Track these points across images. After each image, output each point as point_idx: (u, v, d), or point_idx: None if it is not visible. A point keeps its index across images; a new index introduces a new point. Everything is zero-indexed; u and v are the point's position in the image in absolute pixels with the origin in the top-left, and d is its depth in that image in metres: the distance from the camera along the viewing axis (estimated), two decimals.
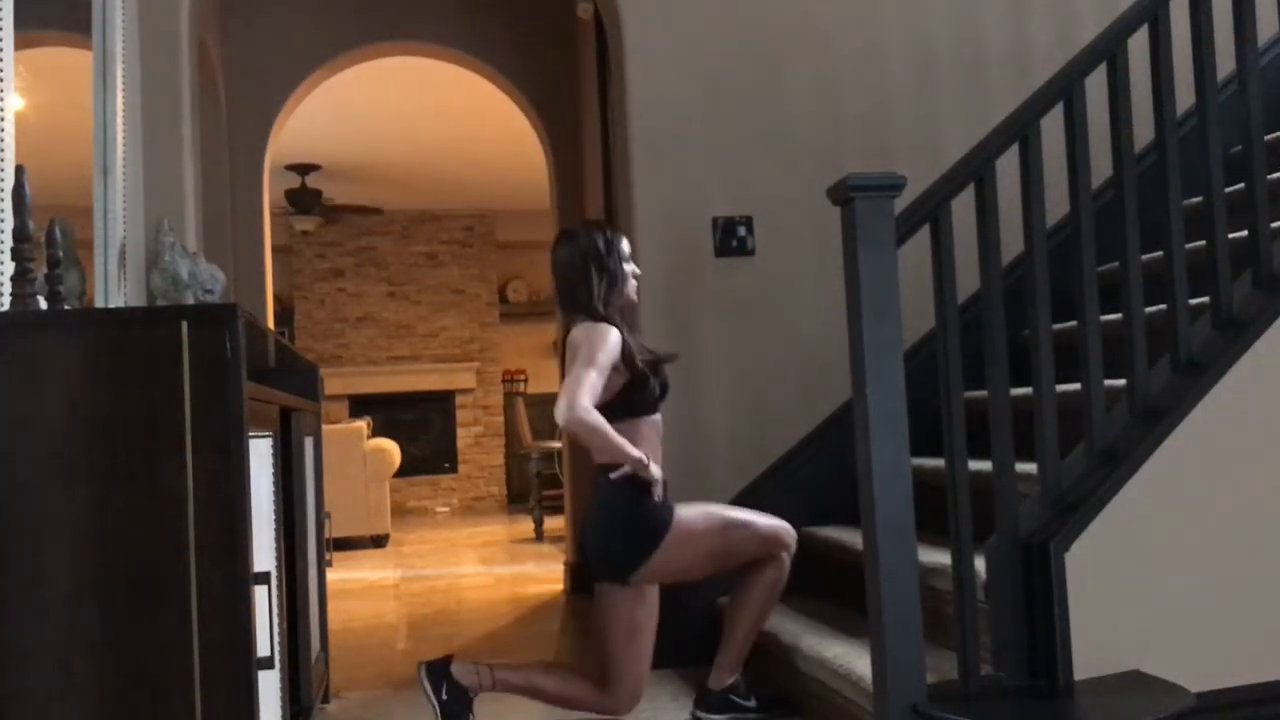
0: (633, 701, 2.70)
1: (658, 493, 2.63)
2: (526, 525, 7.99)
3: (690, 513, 2.70)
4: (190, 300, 2.97)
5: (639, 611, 2.66)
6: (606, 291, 2.76)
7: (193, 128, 3.44)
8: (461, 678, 2.65)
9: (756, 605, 2.80)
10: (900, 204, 2.35)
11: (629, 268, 2.83)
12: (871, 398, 2.27)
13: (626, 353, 2.66)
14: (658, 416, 2.75)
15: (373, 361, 10.47)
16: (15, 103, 2.02)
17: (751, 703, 2.85)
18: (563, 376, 2.66)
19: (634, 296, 2.87)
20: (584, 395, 2.52)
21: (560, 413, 2.51)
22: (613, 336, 2.64)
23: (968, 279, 2.51)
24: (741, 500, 3.45)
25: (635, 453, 2.58)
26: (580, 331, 2.68)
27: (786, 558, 2.79)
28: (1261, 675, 2.43)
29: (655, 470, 2.61)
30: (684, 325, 3.59)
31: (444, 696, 2.63)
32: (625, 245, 2.84)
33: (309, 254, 10.34)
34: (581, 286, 2.75)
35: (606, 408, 2.57)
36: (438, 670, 2.65)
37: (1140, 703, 2.19)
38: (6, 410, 1.51)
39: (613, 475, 2.62)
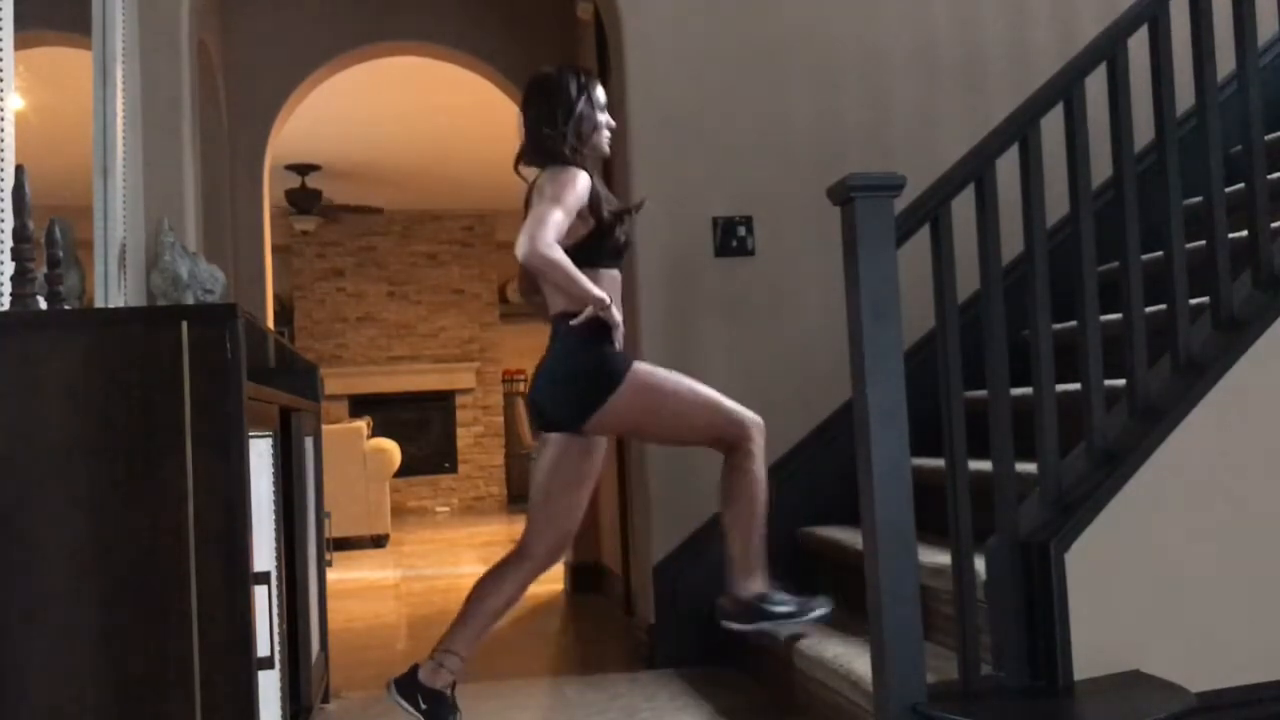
0: (559, 551, 2.64)
1: (618, 337, 2.54)
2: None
3: (655, 368, 2.62)
4: (190, 300, 2.97)
5: (584, 465, 2.60)
6: (576, 137, 2.64)
7: (193, 128, 3.44)
8: (430, 680, 2.57)
9: (743, 500, 2.63)
10: (900, 204, 2.35)
11: (603, 117, 2.71)
12: (871, 398, 2.27)
13: (594, 199, 2.57)
14: (617, 271, 2.67)
15: (373, 361, 10.47)
16: (15, 103, 2.02)
17: (784, 608, 2.67)
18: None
19: (605, 148, 2.74)
20: (547, 231, 2.42)
21: (520, 247, 2.42)
22: (581, 179, 2.55)
23: (968, 279, 2.51)
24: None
25: (598, 292, 2.49)
26: (546, 175, 2.58)
27: (755, 448, 2.62)
28: (1261, 675, 2.43)
29: (617, 313, 2.53)
30: (684, 325, 3.59)
31: (423, 706, 2.55)
32: (601, 93, 2.72)
33: (309, 254, 10.35)
34: (551, 131, 2.63)
35: (568, 254, 2.47)
36: (407, 683, 2.58)
37: (1140, 703, 2.19)
38: (6, 410, 1.51)
39: (573, 322, 2.53)
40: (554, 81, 2.69)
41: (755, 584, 2.69)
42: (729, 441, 2.65)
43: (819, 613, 2.71)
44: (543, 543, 2.65)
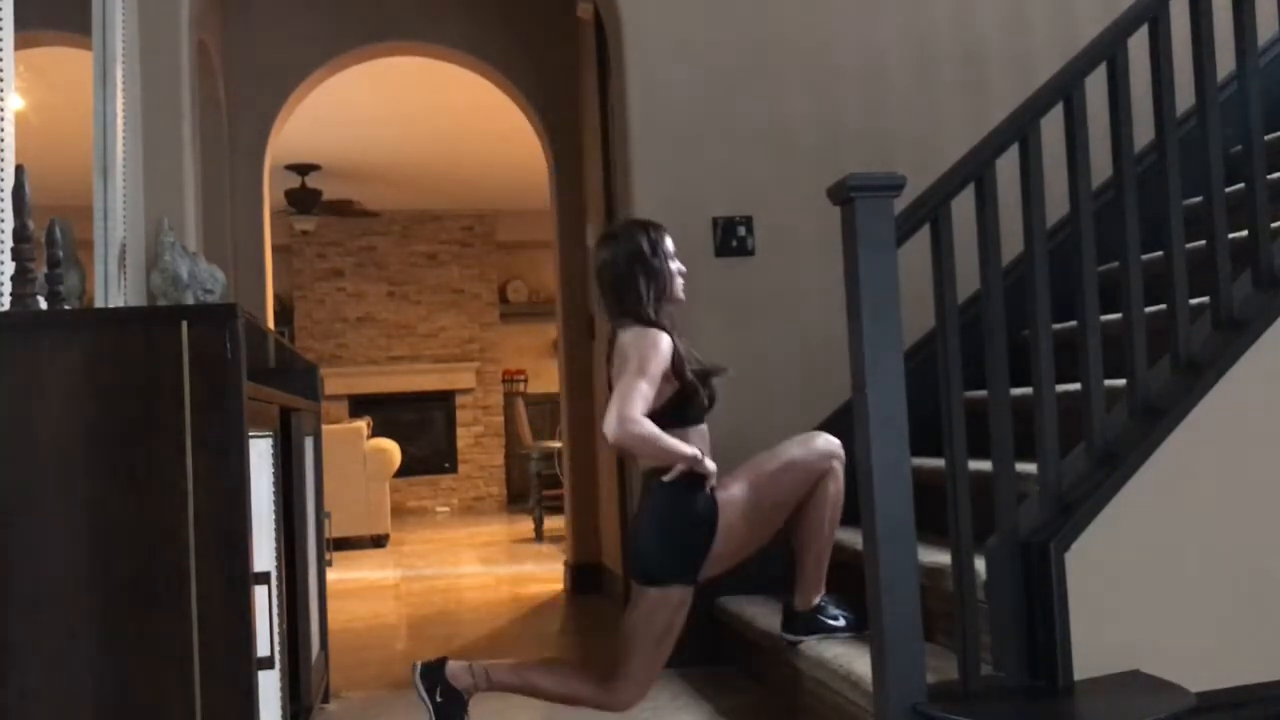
0: (636, 700, 2.66)
1: (712, 481, 2.57)
2: (526, 525, 7.99)
3: (733, 486, 2.62)
4: (190, 300, 2.97)
5: (678, 616, 2.61)
6: (655, 295, 2.65)
7: (193, 128, 3.44)
8: (456, 680, 2.61)
9: (821, 521, 2.70)
10: (900, 204, 2.35)
11: (675, 265, 2.72)
12: (871, 398, 2.27)
13: (678, 361, 2.58)
14: (704, 427, 2.68)
15: (373, 361, 10.47)
16: (15, 103, 2.02)
17: (840, 621, 2.78)
18: (610, 385, 2.59)
19: (681, 295, 2.75)
20: (635, 407, 2.44)
21: (610, 426, 2.44)
22: (664, 343, 2.56)
23: (968, 279, 2.51)
24: None
25: (689, 450, 2.52)
26: (630, 336, 2.58)
27: (839, 466, 2.68)
28: (1261, 675, 2.43)
29: (710, 464, 2.56)
30: (684, 325, 3.56)
31: (439, 699, 2.59)
32: (669, 243, 2.73)
33: (309, 254, 10.34)
34: (628, 291, 2.64)
35: (654, 416, 2.50)
36: (432, 672, 2.62)
37: (1140, 703, 2.19)
38: (6, 410, 1.51)
39: (665, 477, 2.55)
40: (628, 243, 2.69)
41: (816, 596, 2.79)
42: (820, 478, 2.69)
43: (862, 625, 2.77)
44: (629, 692, 2.64)
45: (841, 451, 2.69)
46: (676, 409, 2.59)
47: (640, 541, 2.64)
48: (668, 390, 2.57)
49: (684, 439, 2.57)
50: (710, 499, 2.57)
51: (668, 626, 2.60)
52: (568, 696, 2.67)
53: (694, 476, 2.55)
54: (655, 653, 2.61)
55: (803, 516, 2.72)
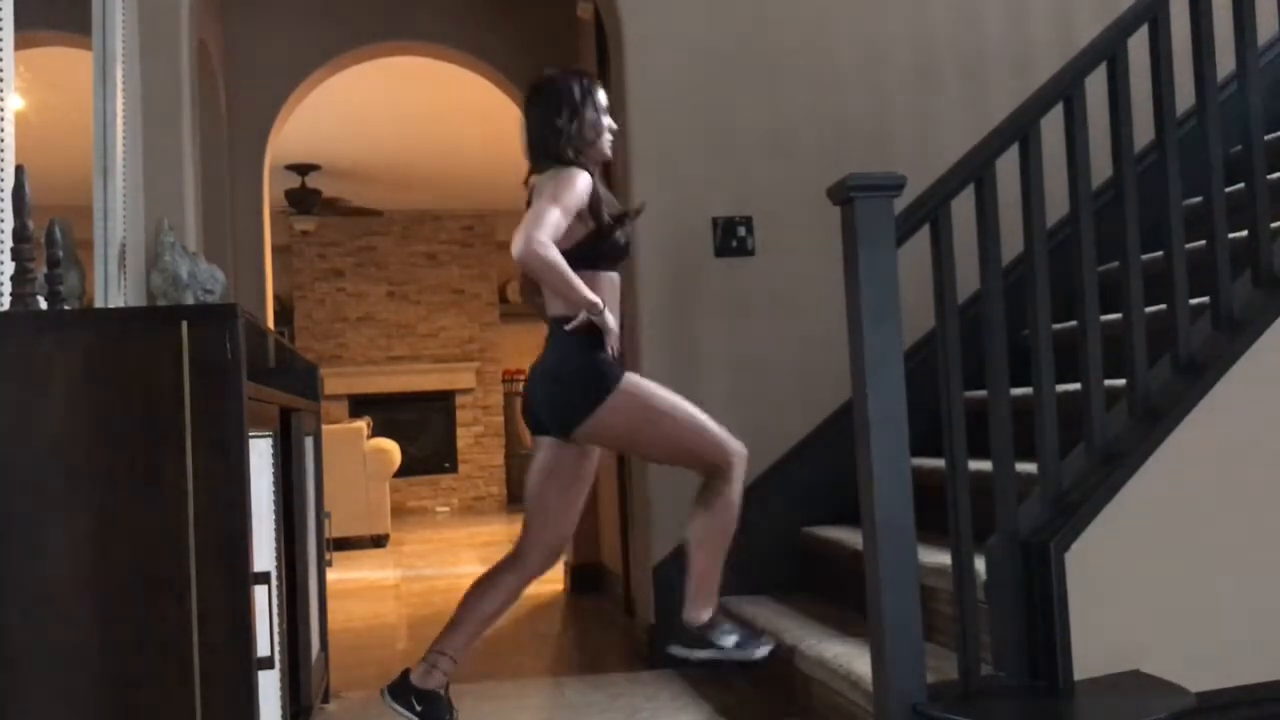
0: (554, 556, 2.64)
1: (612, 343, 2.52)
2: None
3: (647, 382, 2.60)
4: (190, 300, 2.97)
5: (578, 469, 2.59)
6: (579, 140, 2.62)
7: (193, 128, 3.44)
8: (424, 682, 2.56)
9: (713, 526, 2.59)
10: (900, 204, 2.35)
11: (605, 120, 2.69)
12: (871, 398, 2.27)
13: (594, 200, 2.54)
14: (616, 275, 2.64)
15: (372, 361, 10.47)
16: (15, 103, 2.02)
17: (730, 640, 2.64)
18: None
19: (607, 151, 2.72)
20: (544, 230, 2.39)
21: (517, 246, 2.39)
22: (582, 180, 2.52)
23: (968, 279, 2.51)
24: (742, 500, 3.44)
25: (592, 296, 2.46)
26: (547, 175, 2.56)
27: (736, 475, 2.58)
28: (1261, 675, 2.43)
29: (611, 319, 2.51)
30: (684, 325, 3.59)
31: (418, 708, 2.54)
32: (602, 97, 2.70)
33: (309, 254, 10.34)
34: (552, 133, 2.61)
35: (565, 256, 2.43)
36: (400, 688, 2.57)
37: (1140, 703, 2.19)
38: (6, 410, 1.51)
39: (567, 326, 2.51)
40: (556, 85, 2.67)
41: (706, 611, 2.66)
42: (712, 466, 2.60)
43: (761, 652, 2.68)
44: (537, 548, 2.64)
45: (743, 464, 2.61)
46: (589, 250, 2.54)
47: (532, 387, 2.61)
48: (581, 230, 2.53)
49: (594, 283, 2.51)
50: (618, 367, 2.53)
51: (572, 477, 2.59)
52: (506, 596, 2.62)
53: (596, 332, 2.49)
54: (562, 503, 2.60)
55: (698, 522, 2.63)
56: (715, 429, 2.61)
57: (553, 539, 2.65)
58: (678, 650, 2.71)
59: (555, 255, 2.41)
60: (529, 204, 2.64)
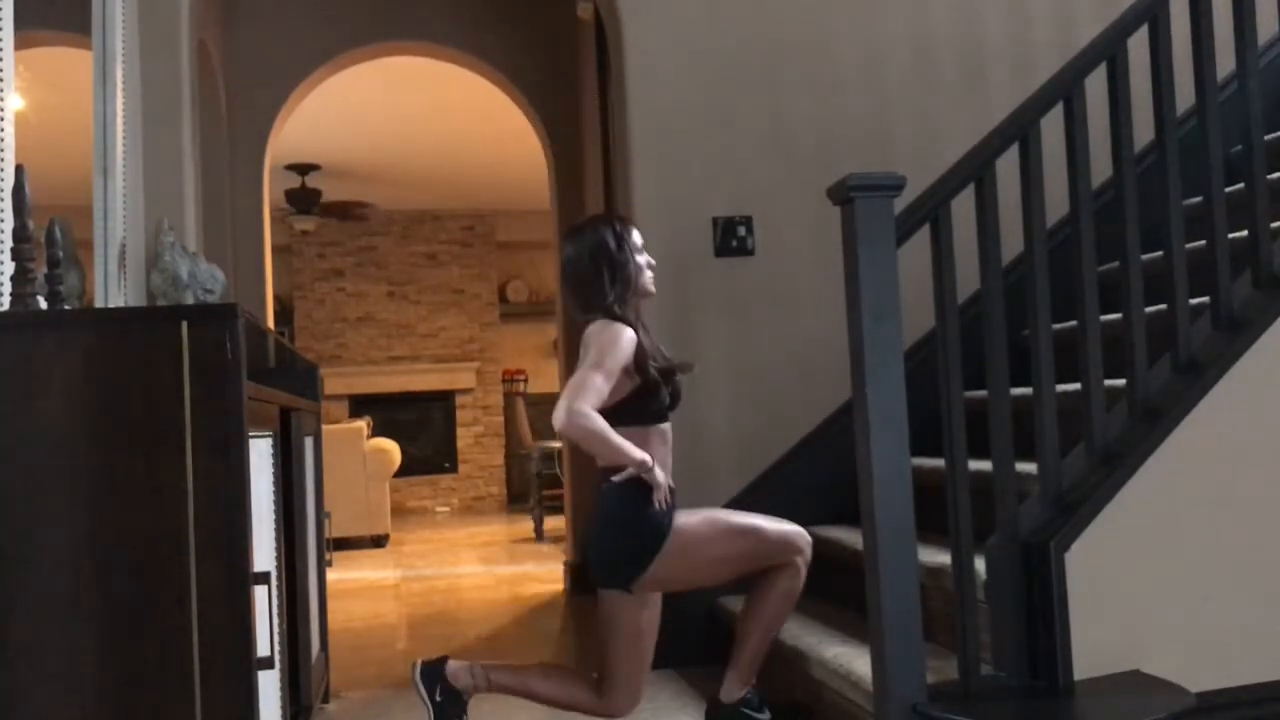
0: (630, 706, 2.65)
1: (659, 498, 2.51)
2: (526, 525, 7.99)
3: (692, 519, 2.58)
4: (190, 300, 2.97)
5: (642, 617, 2.59)
6: (621, 288, 2.62)
7: (193, 128, 3.44)
8: (455, 679, 2.60)
9: (769, 614, 2.65)
10: (900, 204, 2.35)
11: (642, 259, 2.68)
12: (871, 398, 2.27)
13: (640, 357, 2.54)
14: (666, 426, 2.63)
15: (372, 361, 10.47)
16: (15, 103, 2.02)
17: (765, 716, 2.73)
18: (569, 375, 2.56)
19: (650, 288, 2.71)
20: (584, 399, 2.40)
21: (558, 417, 2.40)
22: (625, 338, 2.52)
23: (968, 279, 2.51)
24: (742, 500, 3.45)
25: (638, 454, 2.46)
26: (594, 329, 2.57)
27: (802, 564, 2.62)
28: (1261, 675, 2.43)
29: (660, 475, 2.50)
30: (684, 325, 3.59)
31: (438, 698, 2.59)
32: (637, 237, 2.70)
33: (309, 254, 10.34)
34: (594, 286, 2.62)
35: (613, 412, 2.46)
36: (432, 671, 2.62)
37: (1140, 703, 2.19)
38: (6, 410, 1.51)
39: (614, 479, 2.51)
40: (592, 237, 2.66)
41: (743, 690, 2.72)
42: (781, 562, 2.62)
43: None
44: (617, 701, 2.63)
45: (809, 549, 2.64)
46: (636, 406, 2.54)
47: (589, 541, 2.62)
48: (628, 385, 2.52)
49: (644, 437, 2.52)
50: (666, 516, 2.52)
51: (635, 629, 2.58)
52: (565, 702, 2.66)
53: (644, 484, 2.49)
54: (631, 655, 2.59)
55: (752, 604, 2.67)
56: (773, 528, 2.62)
57: (632, 692, 2.63)
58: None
59: (596, 424, 2.40)
60: (575, 351, 2.65)
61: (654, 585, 2.58)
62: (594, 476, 2.64)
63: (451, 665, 2.63)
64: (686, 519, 2.58)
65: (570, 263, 2.69)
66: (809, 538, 2.66)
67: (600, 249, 2.64)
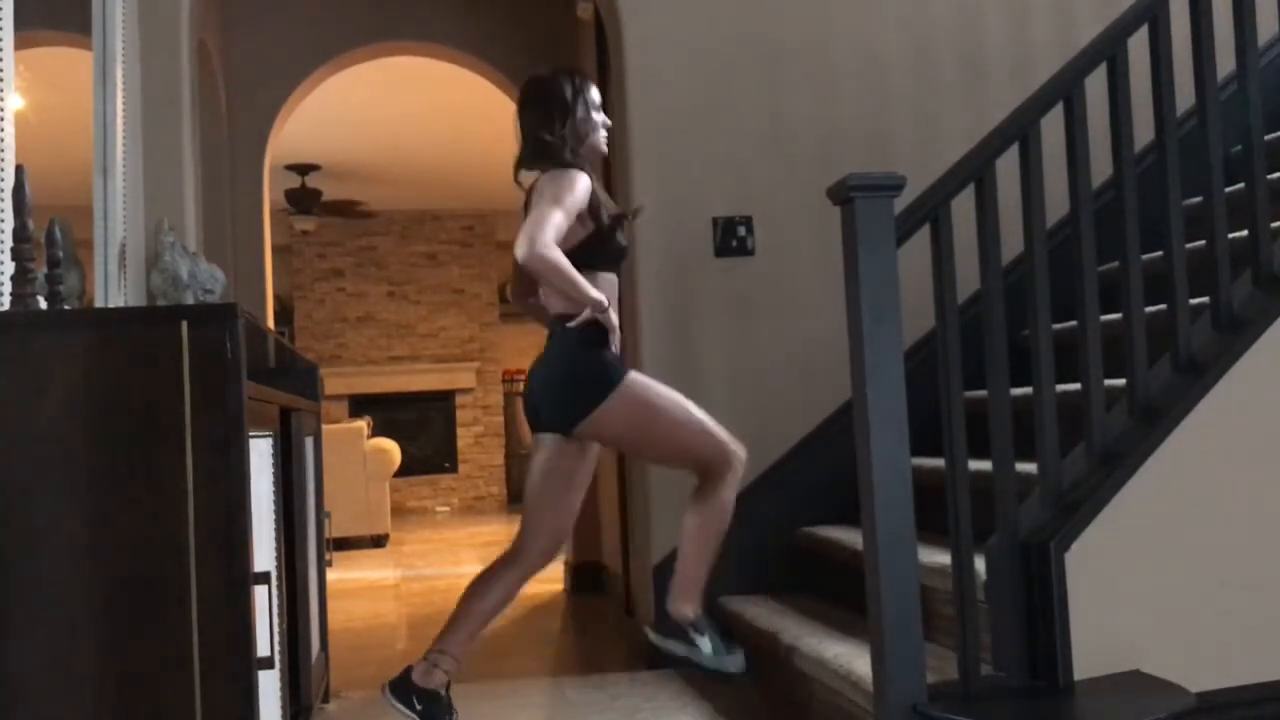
0: (550, 555, 2.66)
1: (615, 340, 2.52)
2: None
3: (650, 381, 2.60)
4: (190, 300, 2.97)
5: (578, 466, 2.59)
6: (574, 140, 2.63)
7: (193, 128, 3.44)
8: (424, 680, 2.56)
9: (707, 527, 2.63)
10: (900, 204, 2.35)
11: (599, 117, 2.70)
12: (871, 398, 2.27)
13: (593, 202, 2.56)
14: (615, 276, 2.65)
15: (372, 361, 10.47)
16: (15, 103, 2.02)
17: (706, 646, 2.66)
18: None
19: (603, 147, 2.73)
20: (547, 232, 2.40)
21: (520, 248, 2.40)
22: (581, 182, 2.54)
23: (968, 279, 2.51)
24: (741, 501, 3.44)
25: (597, 294, 2.46)
26: (546, 178, 2.57)
27: (734, 478, 2.62)
28: (1261, 675, 2.43)
29: (614, 317, 2.51)
30: (684, 325, 3.59)
31: (418, 707, 2.54)
32: (595, 93, 2.71)
33: (309, 254, 10.35)
34: (547, 135, 2.62)
35: (566, 257, 2.44)
36: (401, 685, 2.57)
37: (1140, 703, 2.19)
38: (6, 410, 1.51)
39: (570, 324, 2.51)
40: (549, 85, 2.69)
41: (689, 608, 2.69)
42: (712, 467, 2.62)
43: (732, 668, 2.69)
44: (536, 544, 2.66)
45: (742, 468, 2.63)
46: (589, 251, 2.56)
47: (533, 384, 2.62)
48: (581, 231, 2.54)
49: (594, 284, 2.52)
50: (619, 366, 2.54)
51: (570, 475, 2.60)
52: (504, 593, 2.64)
53: (599, 330, 2.50)
54: (562, 503, 2.62)
55: (692, 520, 2.66)
56: (717, 430, 2.63)
57: (552, 535, 2.67)
58: (653, 636, 2.79)
59: (560, 257, 2.42)
60: (527, 205, 2.64)
61: (594, 433, 2.57)
62: (549, 323, 2.62)
63: (415, 671, 2.58)
64: (642, 377, 2.59)
65: (523, 107, 2.70)
66: (745, 455, 2.65)
67: (555, 98, 2.66)
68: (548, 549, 2.67)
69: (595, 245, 2.58)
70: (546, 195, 2.51)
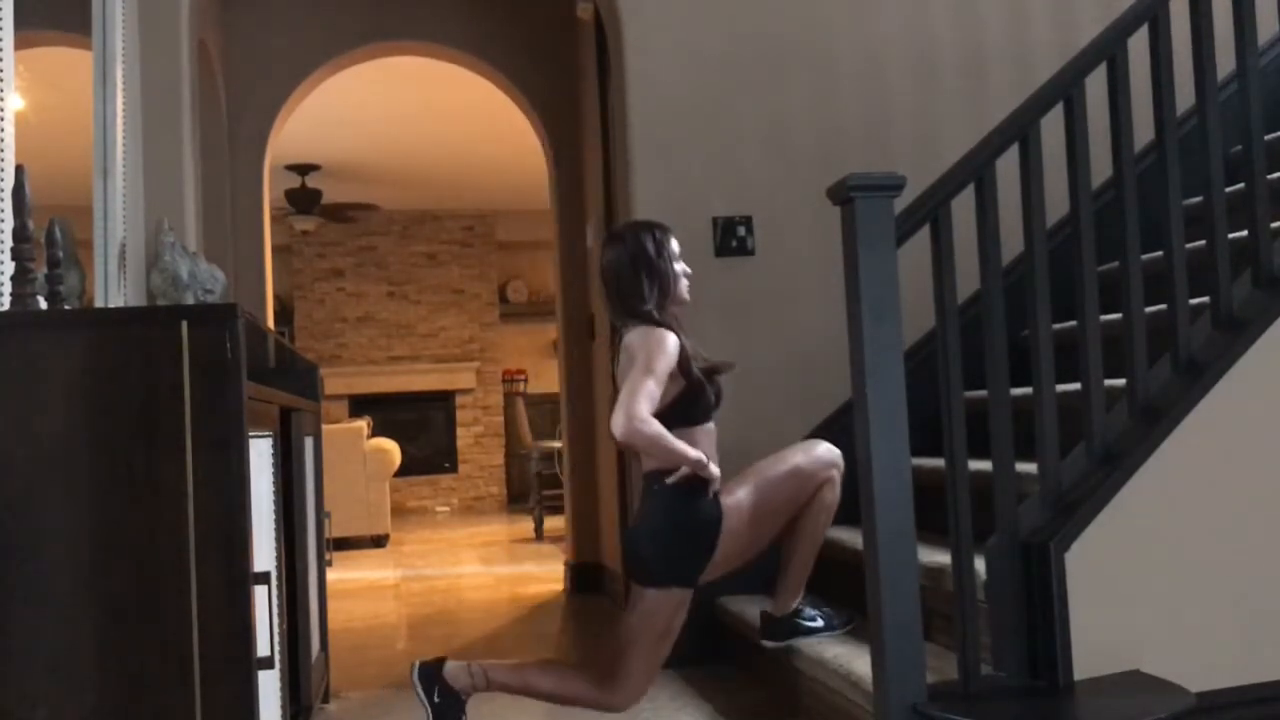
0: (634, 701, 2.66)
1: (715, 488, 2.56)
2: (526, 525, 7.99)
3: (737, 492, 2.62)
4: (190, 300, 2.97)
5: (677, 616, 2.62)
6: (660, 295, 2.66)
7: (193, 128, 3.44)
8: (454, 680, 2.60)
9: (815, 528, 2.72)
10: (900, 204, 2.35)
11: (679, 267, 2.72)
12: (871, 398, 2.27)
13: (684, 360, 2.58)
14: (711, 425, 2.67)
15: (372, 361, 10.47)
16: (15, 103, 2.02)
17: (819, 623, 2.82)
18: (615, 385, 2.58)
19: (686, 296, 2.75)
20: (642, 405, 2.43)
21: (618, 425, 2.43)
22: (670, 342, 2.55)
23: (968, 279, 2.51)
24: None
25: (695, 453, 2.51)
26: (636, 336, 2.58)
27: (838, 475, 2.70)
28: (1261, 675, 2.43)
29: (714, 469, 2.55)
30: (685, 325, 3.59)
31: (436, 699, 2.58)
32: (675, 245, 2.74)
33: (309, 254, 10.34)
34: (633, 292, 2.64)
35: (661, 416, 2.49)
36: (430, 672, 2.61)
37: (1140, 703, 2.19)
38: (6, 410, 1.51)
39: (669, 479, 2.54)
40: (631, 244, 2.69)
41: (795, 600, 2.83)
42: (819, 485, 2.70)
43: (848, 626, 2.84)
44: (625, 694, 2.63)
45: (841, 460, 2.71)
46: (683, 408, 2.58)
47: (641, 543, 2.63)
48: (674, 389, 2.56)
49: (690, 438, 2.56)
50: (715, 505, 2.57)
51: (666, 627, 2.60)
52: (566, 697, 2.66)
53: (697, 480, 2.54)
54: (653, 653, 2.62)
55: (797, 522, 2.72)
56: (805, 458, 2.69)
57: (643, 687, 2.65)
58: (769, 643, 2.87)
59: (657, 429, 2.45)
60: (614, 359, 2.67)
61: (720, 567, 2.63)
62: (644, 478, 2.64)
63: (449, 666, 2.62)
64: (731, 495, 2.62)
65: (610, 268, 2.71)
66: (838, 450, 2.72)
67: (640, 255, 2.67)
68: (633, 698, 2.65)
69: (689, 401, 2.60)
70: (639, 362, 2.51)
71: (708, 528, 2.56)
